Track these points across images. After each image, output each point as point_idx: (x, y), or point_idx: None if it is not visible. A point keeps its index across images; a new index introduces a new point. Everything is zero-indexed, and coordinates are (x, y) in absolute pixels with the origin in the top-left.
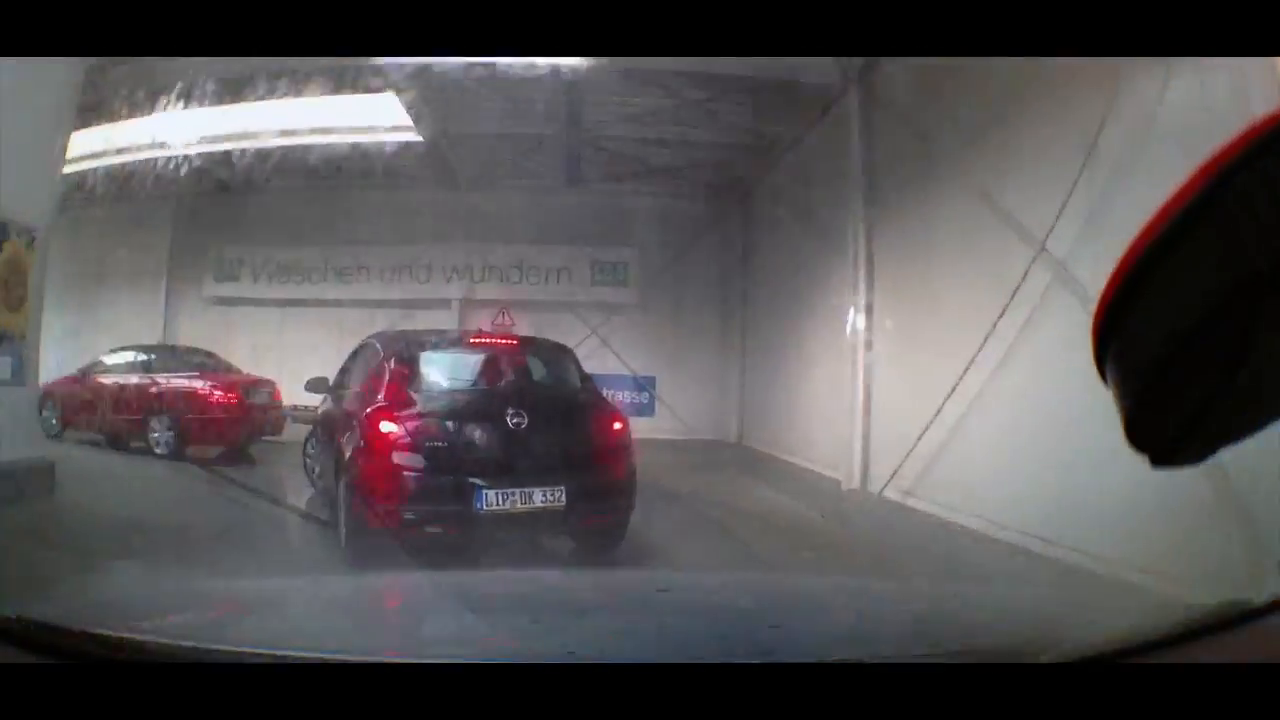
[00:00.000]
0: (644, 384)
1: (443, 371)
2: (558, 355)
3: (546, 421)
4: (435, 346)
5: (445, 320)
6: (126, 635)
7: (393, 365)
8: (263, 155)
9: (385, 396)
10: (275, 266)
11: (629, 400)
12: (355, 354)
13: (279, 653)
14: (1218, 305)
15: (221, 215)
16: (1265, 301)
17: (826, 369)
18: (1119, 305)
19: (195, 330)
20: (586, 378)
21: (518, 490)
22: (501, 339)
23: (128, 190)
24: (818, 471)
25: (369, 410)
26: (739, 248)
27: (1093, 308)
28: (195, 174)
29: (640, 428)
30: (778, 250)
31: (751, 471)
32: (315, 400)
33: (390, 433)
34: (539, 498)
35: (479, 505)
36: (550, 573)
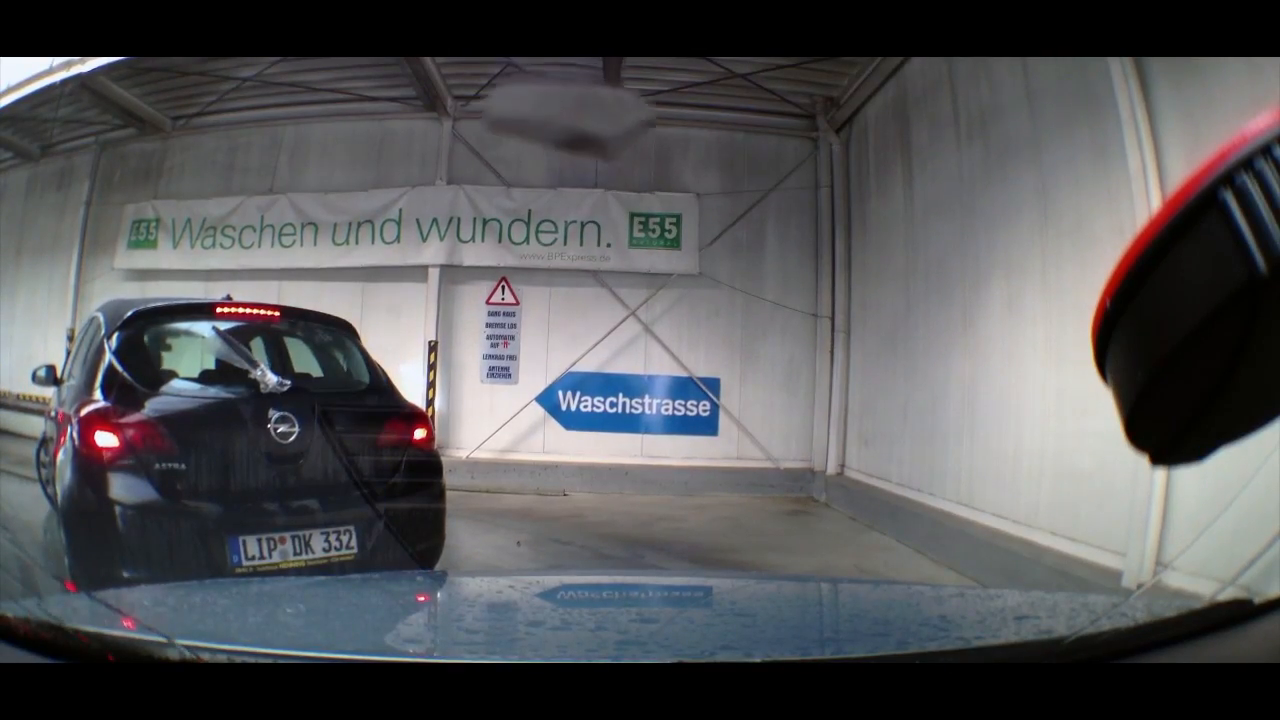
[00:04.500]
0: (703, 389)
1: (187, 357)
2: (337, 334)
3: (327, 430)
4: (175, 318)
5: (419, 296)
6: (126, 635)
7: (114, 347)
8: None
9: (103, 393)
10: (199, 227)
11: (680, 413)
12: (83, 332)
13: (279, 652)
14: (1218, 305)
15: (139, 162)
16: (1265, 301)
17: (1038, 362)
18: (1119, 304)
19: None
20: (378, 367)
21: (290, 535)
22: (257, 309)
23: (40, 135)
24: (1018, 536)
25: (80, 414)
26: (837, 192)
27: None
28: (101, 101)
29: (695, 451)
30: (913, 183)
31: (905, 534)
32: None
33: (106, 449)
34: (320, 545)
35: (234, 559)
36: (570, 574)
